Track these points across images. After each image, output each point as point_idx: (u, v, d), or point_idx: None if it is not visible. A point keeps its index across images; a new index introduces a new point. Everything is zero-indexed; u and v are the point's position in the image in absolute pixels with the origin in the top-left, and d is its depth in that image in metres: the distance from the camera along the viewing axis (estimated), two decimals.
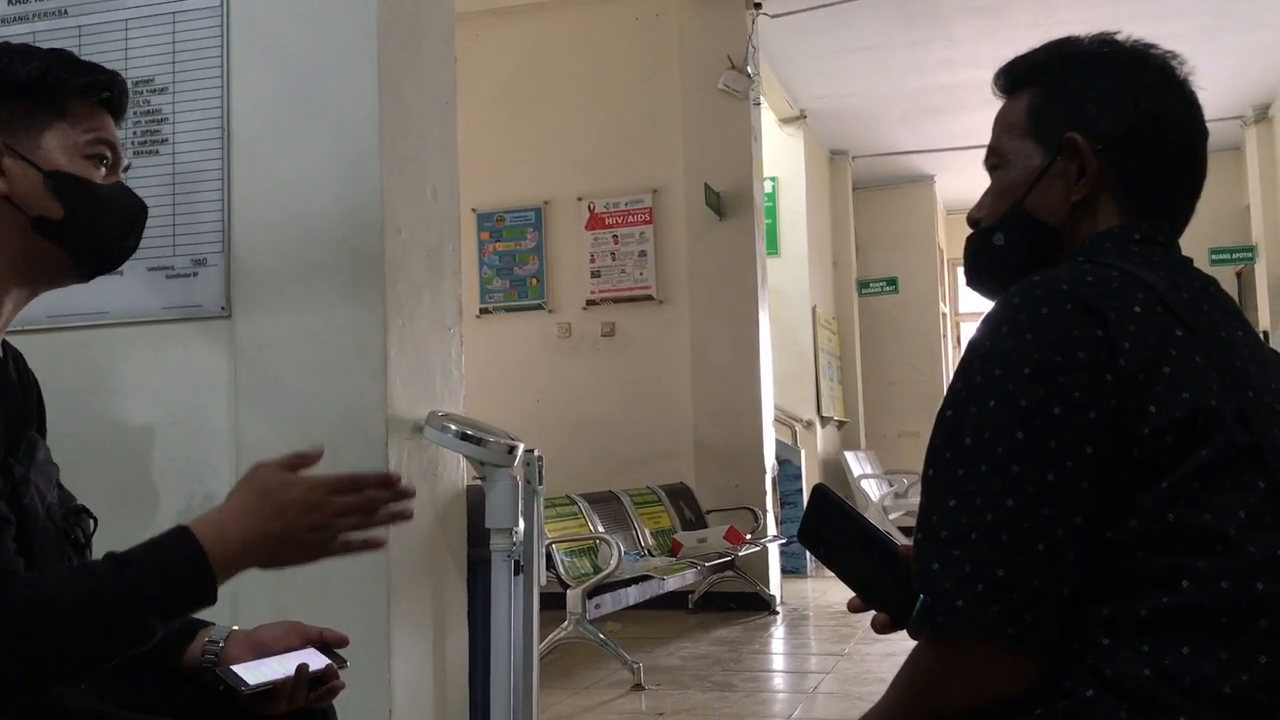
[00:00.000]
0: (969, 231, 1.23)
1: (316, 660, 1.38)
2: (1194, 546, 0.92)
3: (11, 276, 1.26)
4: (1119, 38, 1.17)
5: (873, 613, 1.18)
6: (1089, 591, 0.95)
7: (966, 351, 1.03)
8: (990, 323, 1.02)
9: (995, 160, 1.20)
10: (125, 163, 1.35)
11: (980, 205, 1.22)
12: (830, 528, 1.18)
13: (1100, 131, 1.11)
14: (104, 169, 1.29)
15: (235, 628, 1.42)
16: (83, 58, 1.32)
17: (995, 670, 0.95)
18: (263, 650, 1.38)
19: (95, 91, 1.29)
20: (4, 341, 1.32)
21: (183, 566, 1.11)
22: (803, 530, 1.20)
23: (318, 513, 1.18)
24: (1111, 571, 0.95)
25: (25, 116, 1.24)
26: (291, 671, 1.32)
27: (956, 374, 1.02)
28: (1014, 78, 1.20)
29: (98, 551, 1.39)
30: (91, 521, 1.34)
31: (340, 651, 1.44)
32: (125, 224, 1.33)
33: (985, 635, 0.94)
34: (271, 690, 1.30)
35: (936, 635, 0.98)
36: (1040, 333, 0.97)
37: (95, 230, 1.29)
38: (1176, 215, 1.15)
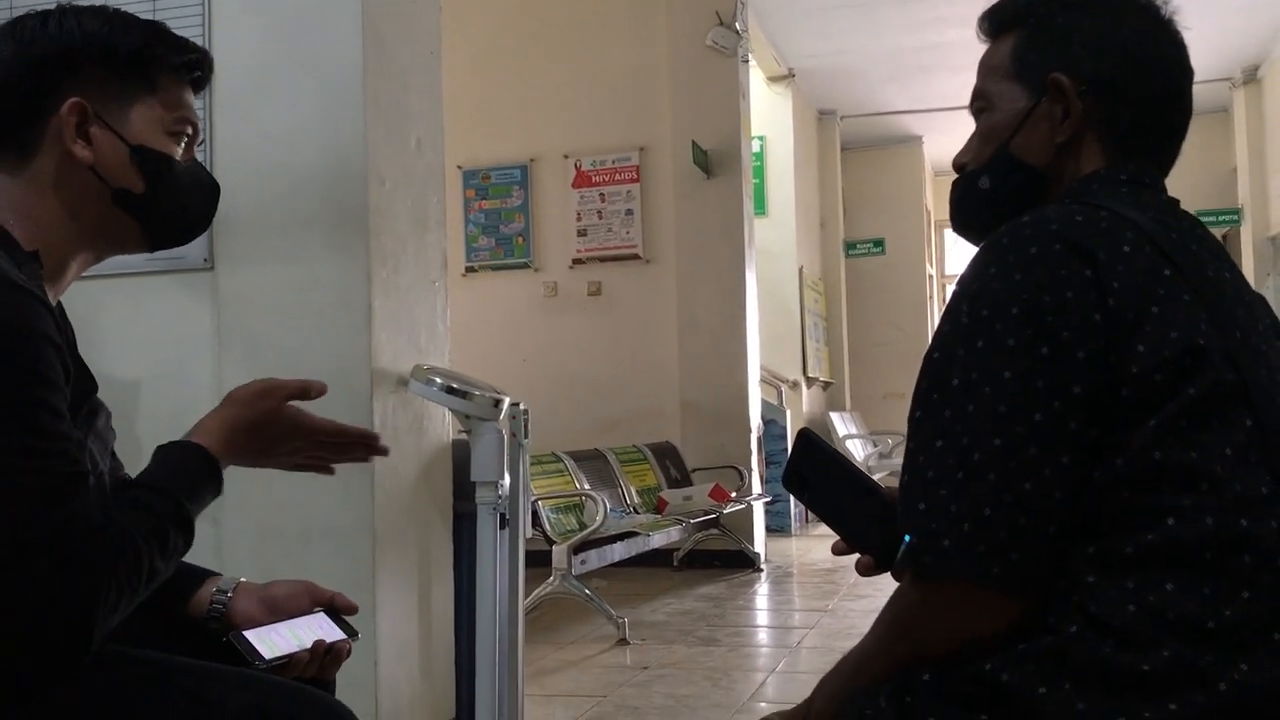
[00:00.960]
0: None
1: (329, 630, 1.38)
2: (1180, 484, 0.93)
3: (84, 242, 1.27)
4: None
5: (857, 555, 1.18)
6: (1075, 530, 0.95)
7: (954, 293, 1.03)
8: (978, 263, 1.02)
9: (980, 104, 1.19)
10: (201, 138, 1.36)
11: (966, 150, 1.21)
12: (815, 471, 1.19)
13: (1085, 72, 1.11)
14: (183, 146, 1.30)
15: (243, 579, 1.42)
16: (175, 31, 1.33)
17: (980, 609, 0.96)
18: (274, 608, 1.38)
19: (188, 71, 1.30)
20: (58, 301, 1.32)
21: (211, 482, 1.26)
22: (787, 474, 1.20)
23: (290, 444, 1.33)
24: (1098, 510, 0.95)
25: (117, 89, 1.25)
26: (307, 644, 1.33)
27: (944, 316, 1.02)
28: (999, 20, 1.19)
29: None
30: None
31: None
32: (200, 202, 1.35)
33: (971, 574, 0.94)
34: (285, 663, 1.31)
35: (921, 574, 0.98)
36: (1029, 273, 0.97)
37: (173, 206, 1.30)
38: (1163, 156, 1.15)
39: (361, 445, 1.39)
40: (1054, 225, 1.00)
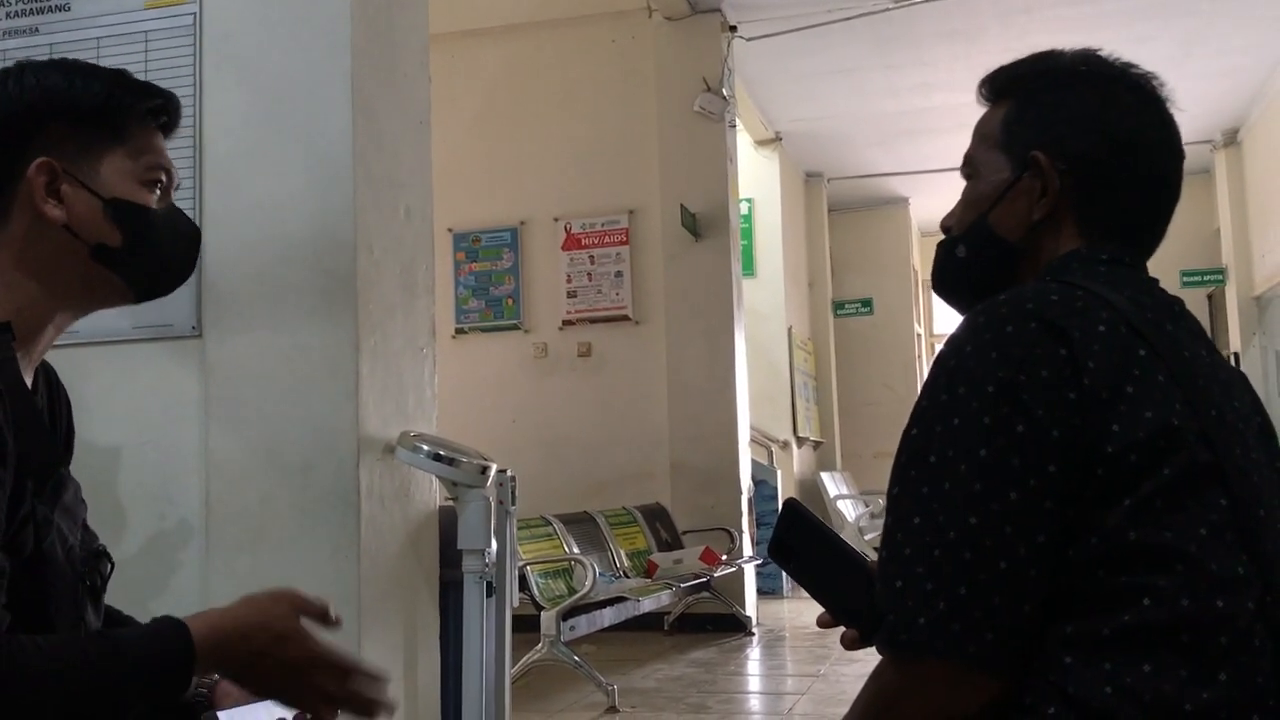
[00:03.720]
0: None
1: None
2: (1156, 564, 0.93)
3: (62, 301, 1.23)
4: (1101, 54, 1.16)
5: (842, 629, 1.18)
6: (1051, 609, 0.95)
7: (932, 369, 1.03)
8: (955, 341, 1.02)
9: (969, 170, 1.20)
10: (177, 182, 1.32)
11: (952, 214, 1.22)
12: (801, 542, 1.18)
13: (1067, 152, 1.11)
14: (158, 192, 1.27)
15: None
16: (139, 77, 1.28)
17: (956, 688, 0.95)
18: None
19: (155, 117, 1.26)
20: (40, 365, 1.27)
21: (171, 668, 1.07)
22: (773, 545, 1.20)
23: (297, 677, 1.13)
24: (1074, 589, 0.95)
25: (85, 142, 1.21)
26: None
27: (922, 392, 1.02)
28: (996, 86, 1.20)
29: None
30: (109, 565, 1.29)
31: None
32: (182, 249, 1.31)
33: (946, 653, 0.94)
34: None
35: (898, 652, 0.98)
36: (1004, 351, 0.97)
37: (153, 257, 1.26)
38: (1143, 239, 1.15)
39: (366, 696, 1.17)
40: (1030, 304, 1.00)
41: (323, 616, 1.16)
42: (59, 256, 1.20)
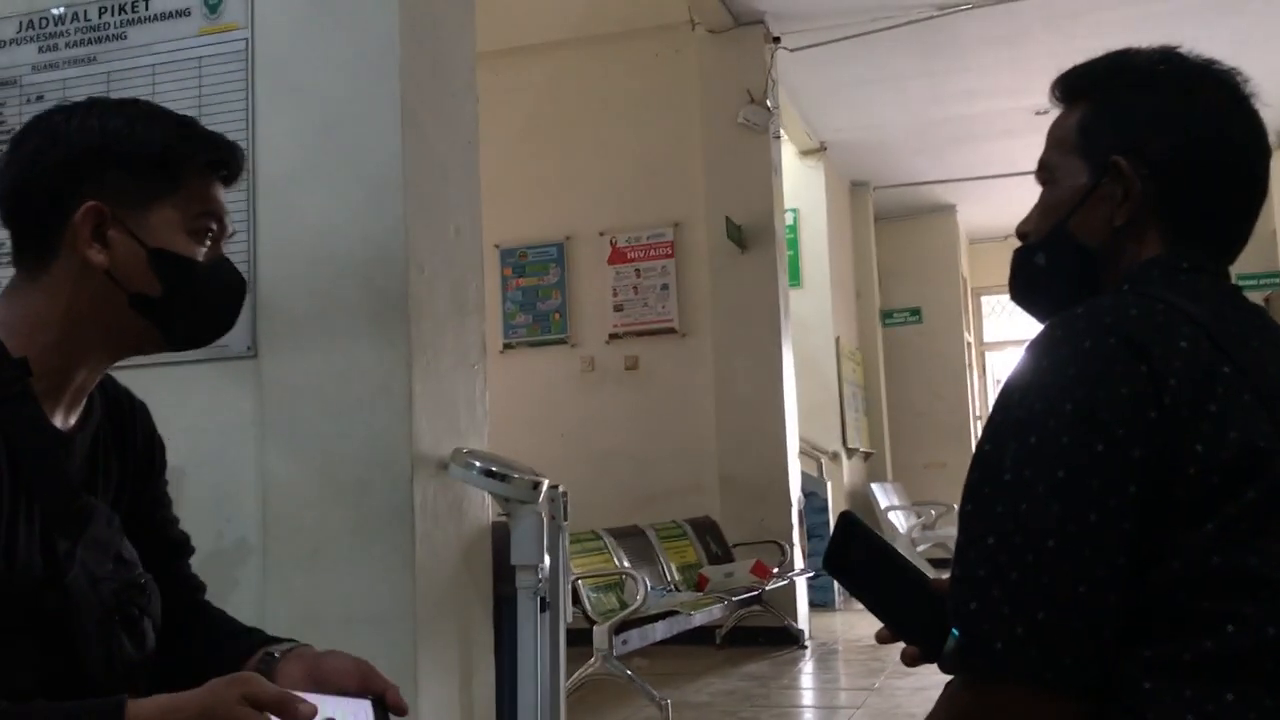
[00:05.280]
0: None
1: (363, 717, 1.23)
2: (1240, 590, 0.90)
3: (97, 346, 1.22)
4: (1181, 51, 1.12)
5: (901, 644, 1.16)
6: (1130, 632, 0.93)
7: (1006, 384, 1.00)
8: (1031, 355, 0.99)
9: (1045, 175, 1.16)
10: (230, 231, 1.29)
11: (1029, 219, 1.18)
12: (857, 556, 1.17)
13: (1148, 155, 1.07)
14: (208, 243, 1.25)
15: (305, 645, 1.32)
16: (206, 126, 1.26)
17: (1033, 714, 0.93)
18: (321, 682, 1.26)
19: (216, 170, 1.25)
20: (98, 390, 1.28)
21: None
22: (828, 558, 1.18)
23: None
24: (1154, 612, 0.92)
25: (139, 189, 1.20)
26: None
27: (995, 407, 1.00)
28: (1069, 88, 1.16)
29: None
30: (147, 596, 1.25)
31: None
32: (224, 301, 1.29)
33: (1024, 678, 0.92)
34: None
35: (975, 677, 0.96)
36: (1083, 368, 0.95)
37: (192, 309, 1.24)
38: (1230, 240, 1.11)
39: None
40: (1108, 319, 0.97)
41: (279, 706, 1.04)
42: (96, 302, 1.19)
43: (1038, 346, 1.00)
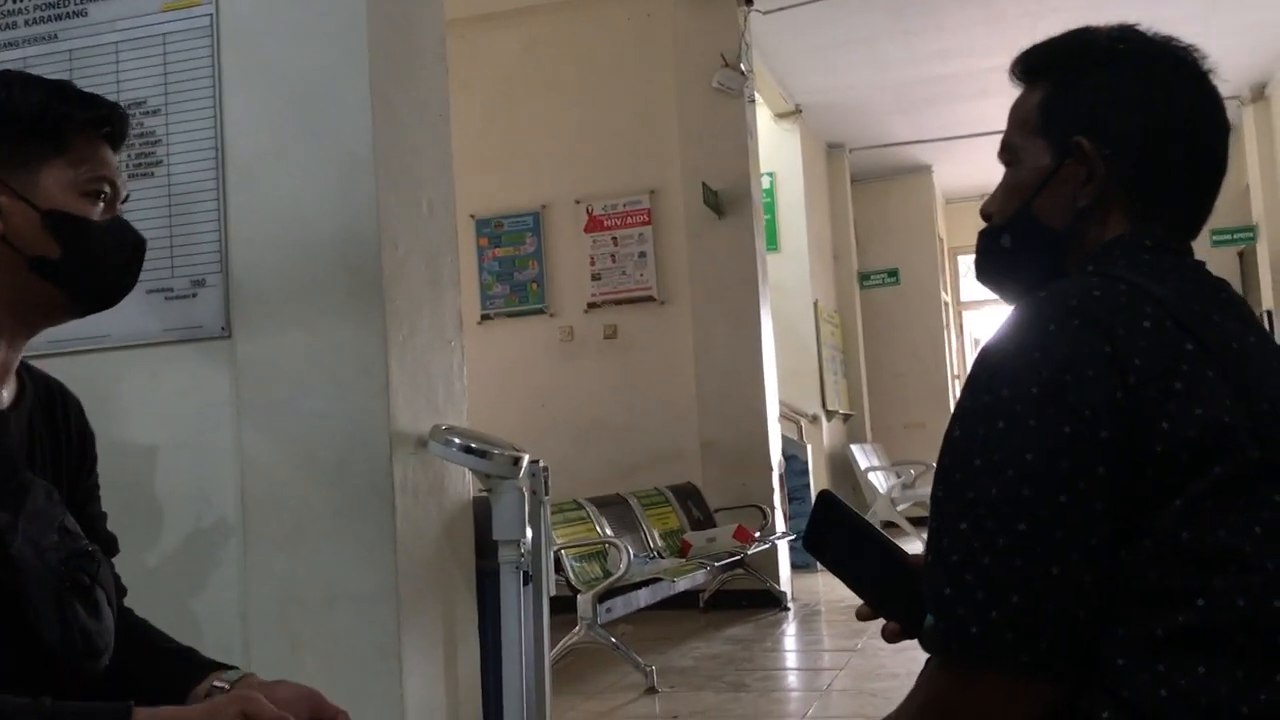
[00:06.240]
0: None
1: None
2: (1209, 565, 0.91)
3: (9, 316, 1.24)
4: (1140, 29, 1.12)
5: (882, 620, 1.17)
6: (1103, 611, 0.93)
7: (973, 369, 1.01)
8: (997, 340, 1.00)
9: (1008, 156, 1.16)
10: (124, 194, 1.31)
11: (993, 199, 1.18)
12: (837, 535, 1.18)
13: (1109, 135, 1.08)
14: (102, 204, 1.26)
15: (250, 673, 1.34)
16: (81, 88, 1.27)
17: (1011, 697, 0.94)
18: None
19: (96, 126, 1.26)
20: (27, 377, 1.29)
21: None
22: (808, 537, 1.19)
23: None
24: (1126, 591, 0.93)
25: (23, 153, 1.21)
26: None
27: (964, 392, 1.00)
28: (1029, 67, 1.16)
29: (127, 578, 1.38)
30: (97, 564, 1.28)
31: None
32: (123, 261, 1.30)
33: (1001, 663, 0.93)
34: None
35: (950, 661, 0.96)
36: (1048, 351, 0.95)
37: (93, 269, 1.26)
38: (1193, 216, 1.12)
39: None
40: (1073, 300, 0.98)
41: None
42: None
43: (1003, 331, 1.01)
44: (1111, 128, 1.08)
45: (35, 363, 1.38)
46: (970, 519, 0.95)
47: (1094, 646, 0.94)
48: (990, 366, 0.99)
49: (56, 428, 1.33)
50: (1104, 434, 0.92)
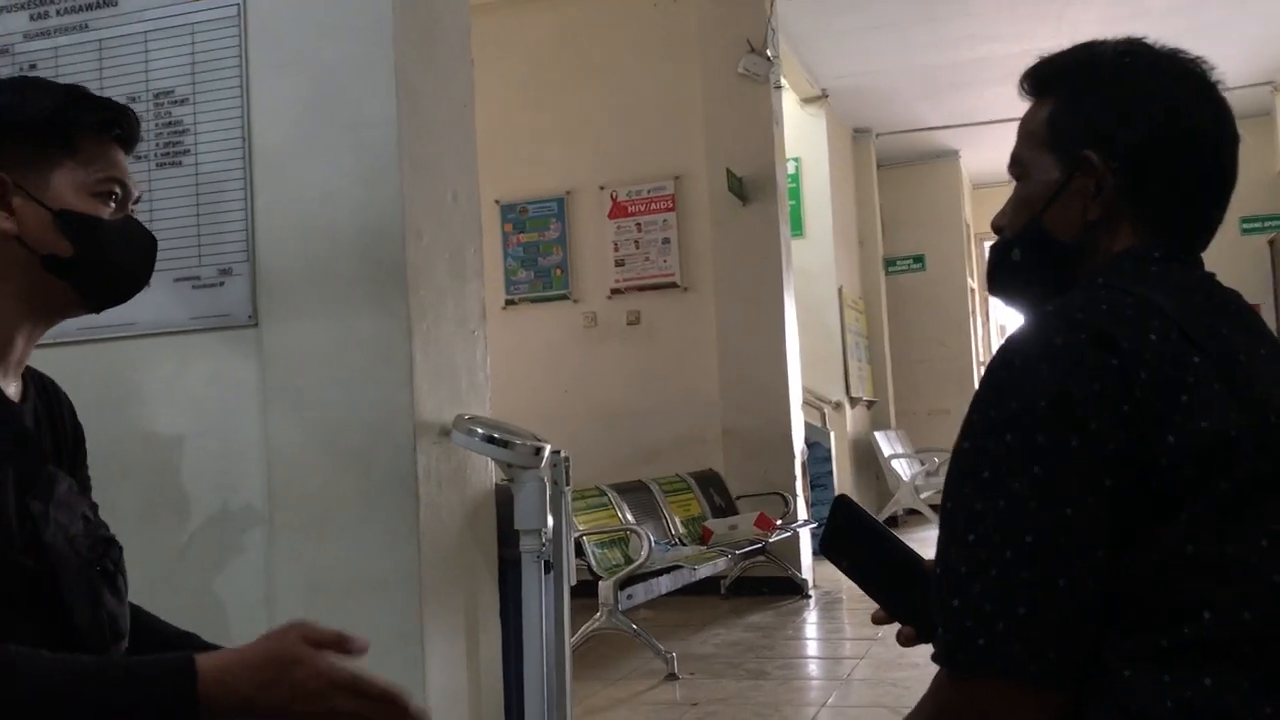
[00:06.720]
0: (997, 206, 1.21)
1: None
2: (1215, 577, 0.91)
3: (24, 312, 1.28)
4: (1146, 41, 1.13)
5: (898, 625, 1.18)
6: (1110, 621, 0.94)
7: (982, 382, 1.02)
8: (1004, 353, 1.01)
9: (1018, 170, 1.17)
10: (136, 195, 1.35)
11: (1003, 213, 1.19)
12: (853, 540, 1.19)
13: (1117, 148, 1.08)
14: (113, 204, 1.30)
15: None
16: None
17: (1018, 707, 0.95)
18: None
19: (106, 129, 1.30)
20: (27, 373, 1.34)
21: (171, 699, 1.06)
22: (825, 541, 1.20)
23: (315, 701, 1.10)
24: (1132, 602, 0.94)
25: (35, 155, 1.26)
26: None
27: (973, 405, 1.01)
28: (1037, 82, 1.17)
29: (134, 571, 1.42)
30: (118, 550, 1.34)
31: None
32: (134, 259, 1.35)
33: (1008, 674, 0.94)
34: None
35: (958, 671, 0.97)
36: (1054, 365, 0.96)
37: (104, 266, 1.30)
38: (1200, 230, 1.12)
39: (391, 710, 1.15)
40: (1079, 314, 0.99)
41: (337, 644, 1.13)
42: (12, 268, 1.25)
43: (1011, 344, 1.01)
44: (1119, 141, 1.09)
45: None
46: (977, 530, 0.96)
47: (1098, 654, 0.95)
48: (998, 379, 1.00)
49: (55, 423, 1.38)
50: (1110, 447, 0.93)
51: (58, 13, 2.76)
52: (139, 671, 1.08)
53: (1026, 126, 1.17)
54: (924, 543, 1.01)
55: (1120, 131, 1.09)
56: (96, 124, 1.29)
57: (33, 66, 2.74)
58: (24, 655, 1.05)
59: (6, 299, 1.26)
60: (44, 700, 1.03)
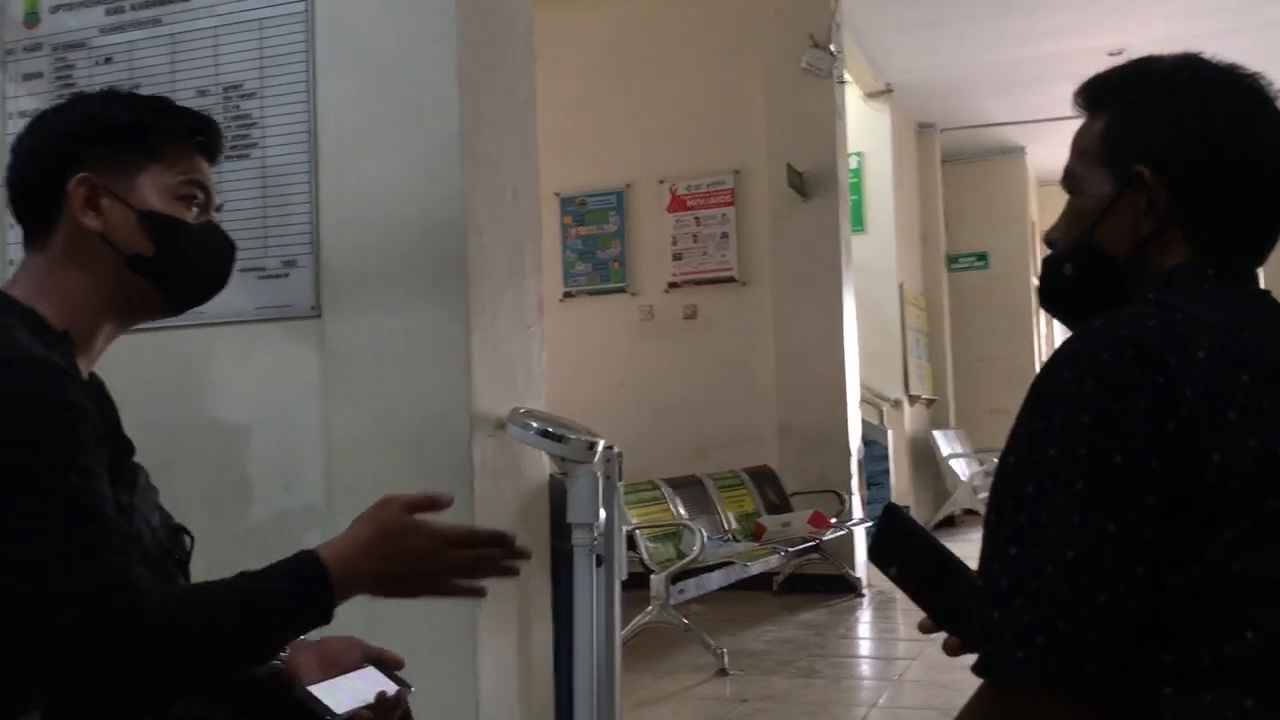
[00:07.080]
0: (1063, 203, 1.21)
1: (383, 683, 1.43)
2: (1259, 596, 0.91)
3: (107, 311, 1.33)
4: (1203, 57, 1.12)
5: (944, 634, 1.18)
6: (1150, 638, 0.94)
7: (1028, 396, 1.02)
8: (1051, 367, 1.01)
9: (1071, 185, 1.17)
10: (217, 203, 1.41)
11: (1056, 227, 1.19)
12: (901, 547, 1.19)
13: (1171, 164, 1.07)
14: (195, 209, 1.36)
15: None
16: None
17: (1056, 719, 0.94)
18: (330, 663, 1.43)
19: (189, 136, 1.36)
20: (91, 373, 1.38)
21: (311, 590, 1.18)
22: (873, 549, 1.22)
23: (433, 561, 1.23)
24: (1173, 618, 0.93)
25: (122, 159, 1.32)
26: (369, 698, 1.38)
27: (1019, 418, 1.01)
28: (1091, 97, 1.16)
29: (198, 557, 1.47)
30: (188, 539, 1.41)
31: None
32: (213, 261, 1.40)
33: (1046, 687, 0.94)
34: (353, 717, 1.35)
35: (997, 685, 0.98)
36: (1100, 380, 0.96)
37: (185, 267, 1.36)
38: (1255, 246, 1.11)
39: (498, 550, 1.29)
40: (1125, 330, 0.98)
41: (431, 505, 1.24)
42: (98, 265, 1.31)
43: (1058, 359, 1.01)
44: (1172, 157, 1.08)
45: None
46: (1020, 544, 0.96)
47: (1137, 672, 0.94)
48: (1044, 394, 0.99)
49: (106, 420, 1.42)
50: (1154, 464, 0.93)
51: (132, 7, 2.82)
52: (279, 572, 1.18)
53: (1080, 142, 1.16)
54: (979, 544, 1.00)
55: (1173, 147, 1.08)
56: (180, 130, 1.35)
57: (108, 60, 2.81)
58: (195, 587, 1.17)
59: (93, 296, 1.31)
60: (234, 611, 1.14)
